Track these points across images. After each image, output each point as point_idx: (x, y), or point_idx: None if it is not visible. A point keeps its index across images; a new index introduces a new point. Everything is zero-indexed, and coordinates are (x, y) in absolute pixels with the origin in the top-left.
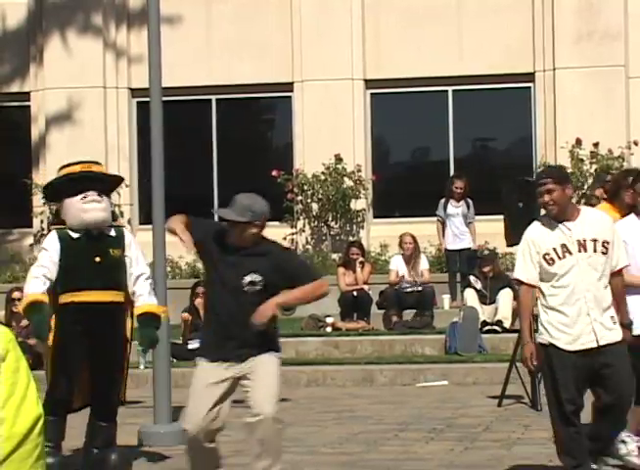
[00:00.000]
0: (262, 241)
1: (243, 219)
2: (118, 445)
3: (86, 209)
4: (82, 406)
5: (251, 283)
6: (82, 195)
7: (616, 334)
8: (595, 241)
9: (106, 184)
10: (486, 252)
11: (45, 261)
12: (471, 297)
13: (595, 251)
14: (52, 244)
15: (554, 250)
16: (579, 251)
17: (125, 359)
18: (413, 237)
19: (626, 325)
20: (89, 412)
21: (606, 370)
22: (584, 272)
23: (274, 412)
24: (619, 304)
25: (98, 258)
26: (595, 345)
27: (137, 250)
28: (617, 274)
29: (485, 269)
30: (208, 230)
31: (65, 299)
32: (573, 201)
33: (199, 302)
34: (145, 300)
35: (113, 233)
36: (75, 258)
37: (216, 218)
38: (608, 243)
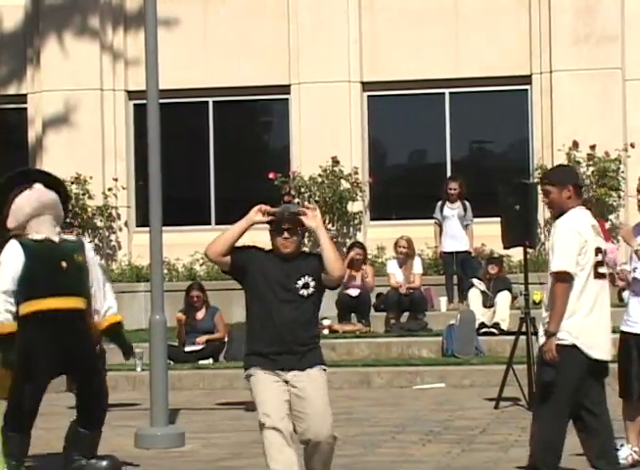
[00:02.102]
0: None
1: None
2: (114, 450)
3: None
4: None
5: (305, 285)
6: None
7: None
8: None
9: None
10: (496, 255)
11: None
12: (475, 298)
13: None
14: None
15: None
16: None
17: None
18: (408, 241)
19: (548, 334)
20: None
21: None
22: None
23: (331, 434)
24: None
25: (64, 263)
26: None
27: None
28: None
29: (494, 271)
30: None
31: (28, 308)
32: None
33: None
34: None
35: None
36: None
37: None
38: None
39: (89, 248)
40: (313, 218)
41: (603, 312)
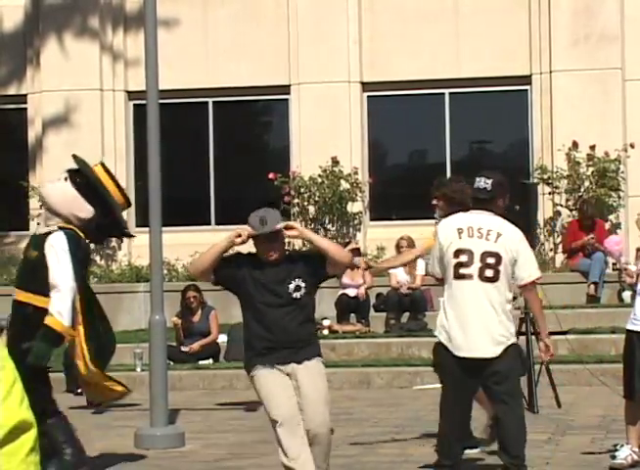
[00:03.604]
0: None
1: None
2: (114, 449)
3: None
4: None
5: (297, 288)
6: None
7: None
8: None
9: None
10: None
11: None
12: None
13: None
14: None
15: None
16: None
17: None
18: (409, 239)
19: None
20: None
21: None
22: None
23: (329, 426)
24: None
25: (23, 257)
26: None
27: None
28: None
29: None
30: (233, 261)
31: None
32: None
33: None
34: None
35: (40, 231)
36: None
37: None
38: None
39: (50, 244)
40: (294, 229)
41: (468, 311)
